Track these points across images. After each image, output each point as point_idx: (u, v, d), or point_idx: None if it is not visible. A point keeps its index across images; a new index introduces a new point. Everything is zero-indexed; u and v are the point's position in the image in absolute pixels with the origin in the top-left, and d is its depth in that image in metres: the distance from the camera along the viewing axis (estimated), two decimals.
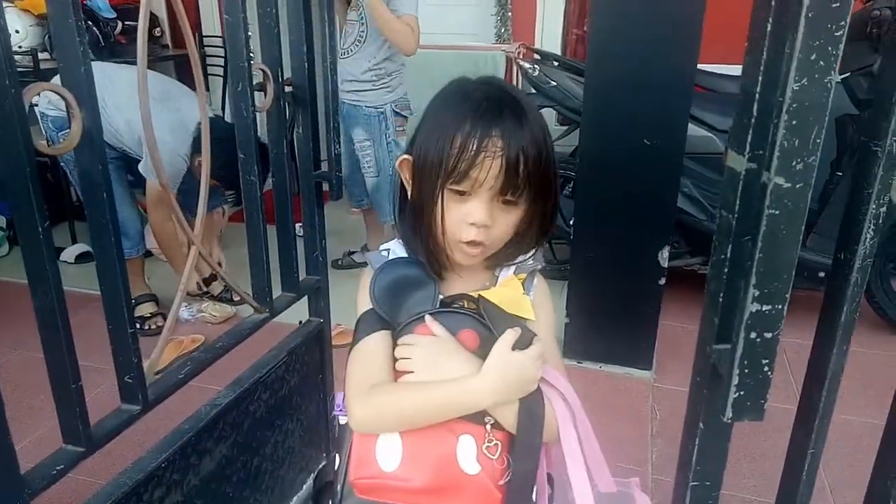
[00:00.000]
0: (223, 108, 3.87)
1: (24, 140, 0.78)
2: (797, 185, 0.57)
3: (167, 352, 2.40)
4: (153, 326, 2.63)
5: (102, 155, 0.90)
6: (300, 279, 1.52)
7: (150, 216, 2.56)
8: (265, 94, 1.33)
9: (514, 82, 3.61)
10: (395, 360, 0.87)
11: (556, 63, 2.85)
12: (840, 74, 2.67)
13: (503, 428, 0.84)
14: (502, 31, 3.71)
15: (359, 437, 0.88)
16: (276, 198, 1.42)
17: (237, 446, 1.31)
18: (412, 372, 0.84)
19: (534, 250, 0.95)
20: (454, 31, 2.83)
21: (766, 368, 0.65)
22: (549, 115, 3.77)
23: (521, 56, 3.41)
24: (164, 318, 2.62)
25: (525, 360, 0.82)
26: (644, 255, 2.14)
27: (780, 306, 0.64)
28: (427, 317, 0.87)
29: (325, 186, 1.52)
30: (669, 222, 2.13)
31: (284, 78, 1.36)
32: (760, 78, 0.62)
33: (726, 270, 0.69)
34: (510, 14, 3.71)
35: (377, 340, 0.88)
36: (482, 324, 0.87)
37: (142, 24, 0.94)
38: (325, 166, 1.52)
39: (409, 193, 0.92)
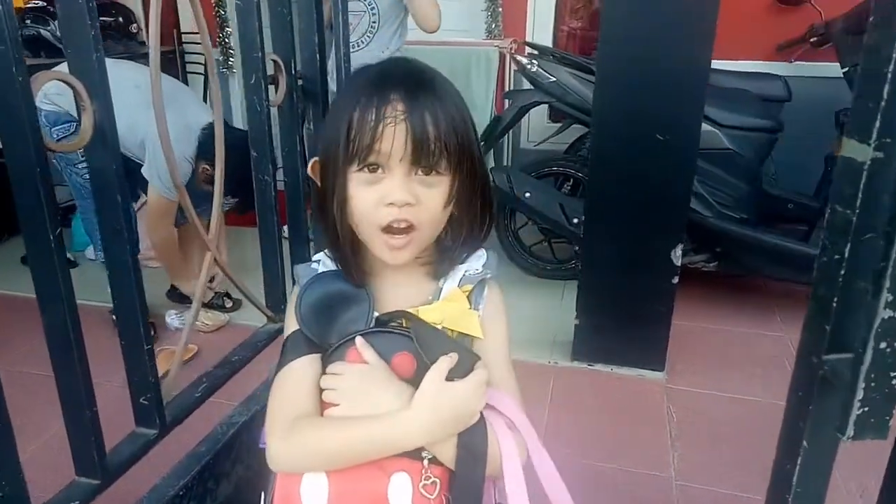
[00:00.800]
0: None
1: (33, 138, 0.68)
2: None
3: (159, 363, 2.27)
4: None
5: (117, 152, 0.81)
6: None
7: (149, 227, 2.40)
8: (276, 88, 1.24)
9: (508, 80, 3.54)
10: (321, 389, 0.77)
11: (552, 58, 2.79)
12: (842, 67, 2.66)
13: (442, 463, 0.74)
14: (493, 26, 3.64)
15: (282, 475, 0.77)
16: (288, 200, 1.33)
17: (253, 470, 1.22)
18: (336, 405, 0.74)
19: (481, 254, 0.84)
20: (444, 26, 2.74)
21: (894, 382, 0.59)
22: (541, 112, 3.71)
23: (514, 51, 3.35)
24: (154, 327, 2.51)
25: (462, 390, 0.72)
26: (656, 253, 2.09)
27: None
28: (358, 339, 0.76)
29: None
30: (682, 220, 2.08)
31: (297, 71, 1.27)
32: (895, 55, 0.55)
33: (843, 273, 0.62)
34: (500, 9, 3.63)
35: (303, 366, 0.77)
36: (418, 344, 0.76)
37: (153, 24, 0.85)
38: None
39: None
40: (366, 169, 0.74)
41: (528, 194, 2.68)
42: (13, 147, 0.68)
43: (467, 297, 0.81)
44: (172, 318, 2.58)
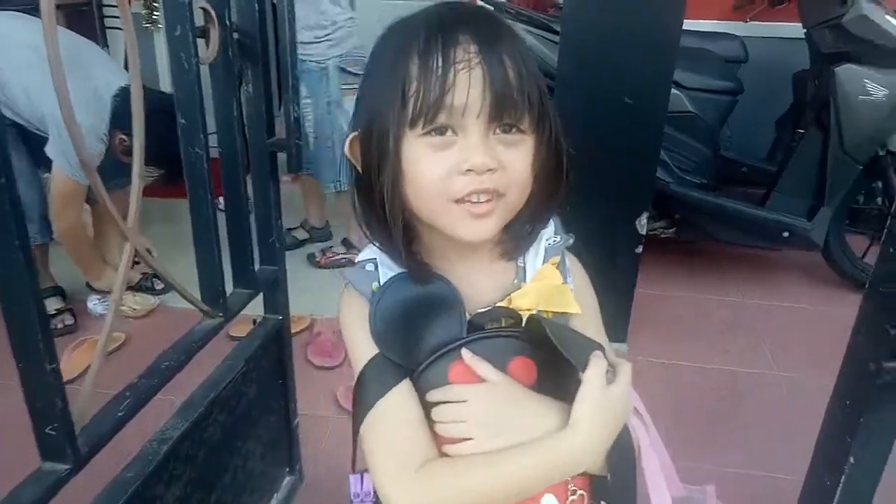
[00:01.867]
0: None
1: None
2: None
3: (81, 356, 2.04)
4: (60, 325, 2.19)
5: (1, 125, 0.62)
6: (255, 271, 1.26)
7: (55, 214, 2.11)
8: (207, 43, 1.05)
9: None
10: (430, 419, 0.64)
11: (508, 14, 2.62)
12: (804, 27, 2.60)
13: (585, 474, 0.65)
14: None
15: None
16: (223, 171, 1.15)
17: (192, 484, 1.06)
18: (467, 439, 0.62)
19: (550, 220, 0.72)
20: None
21: None
22: None
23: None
24: (73, 315, 2.26)
25: (620, 393, 0.62)
26: (621, 221, 1.99)
27: None
28: (464, 351, 0.64)
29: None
30: (650, 187, 1.99)
31: (231, 22, 1.08)
32: None
33: None
34: None
35: (401, 398, 0.64)
36: (531, 345, 0.66)
37: None
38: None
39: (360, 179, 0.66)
40: (433, 132, 0.60)
41: None
42: None
43: (557, 269, 0.70)
44: (95, 303, 2.32)
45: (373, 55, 0.65)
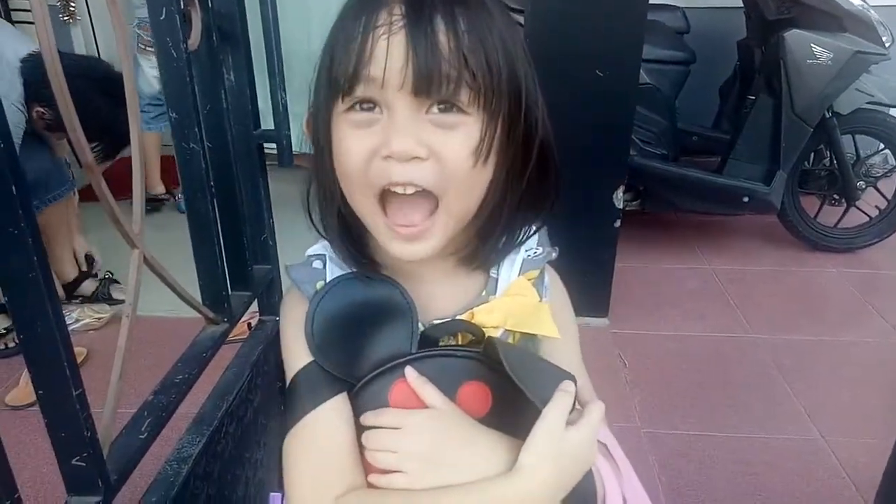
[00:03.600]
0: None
1: None
2: None
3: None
4: (12, 345, 2.02)
5: None
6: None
7: None
8: (189, 28, 0.97)
9: None
10: (360, 443, 0.57)
11: None
12: None
13: None
14: None
15: None
16: (215, 167, 1.07)
17: (211, 501, 1.00)
18: (398, 472, 0.53)
19: (536, 226, 0.64)
20: None
21: None
22: None
23: None
24: None
25: (584, 437, 0.53)
26: (598, 197, 2.00)
27: None
28: (408, 369, 0.56)
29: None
30: (625, 160, 2.00)
31: (212, 4, 1.00)
32: None
33: None
34: None
35: (331, 414, 0.56)
36: (488, 369, 0.56)
37: None
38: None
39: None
40: (356, 107, 0.52)
41: None
42: None
43: (533, 285, 0.62)
44: None
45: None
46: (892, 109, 2.57)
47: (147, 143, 2.99)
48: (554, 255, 0.65)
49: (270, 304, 1.30)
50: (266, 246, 1.23)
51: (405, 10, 0.49)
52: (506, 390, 0.54)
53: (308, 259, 0.63)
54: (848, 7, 2.36)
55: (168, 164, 3.11)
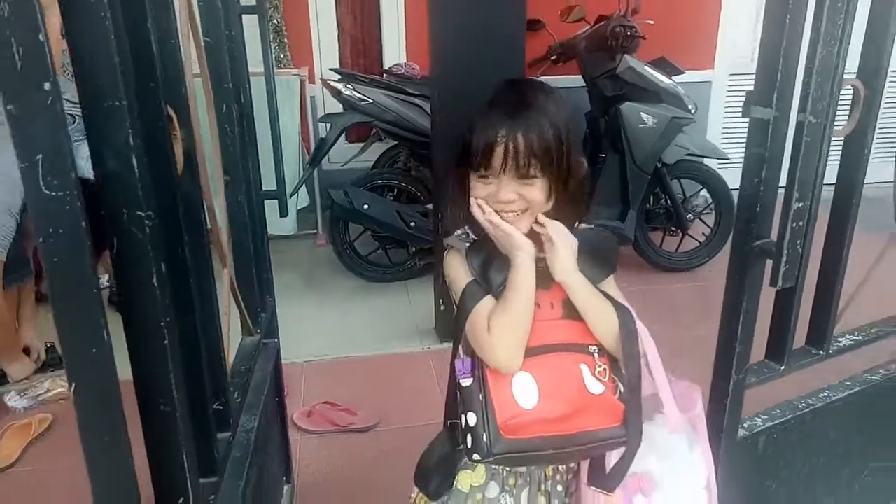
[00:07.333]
0: None
1: None
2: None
3: (10, 442, 2.01)
4: None
5: None
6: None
7: None
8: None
9: (306, 106, 3.68)
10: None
11: (363, 81, 3.06)
12: (584, 77, 3.37)
13: (605, 355, 1.02)
14: (282, 56, 3.76)
15: (494, 387, 0.98)
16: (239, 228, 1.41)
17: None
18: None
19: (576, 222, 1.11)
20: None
21: (799, 246, 0.99)
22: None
23: (323, 78, 3.52)
24: None
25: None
26: None
27: (808, 203, 0.98)
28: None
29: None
30: None
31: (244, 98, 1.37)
32: None
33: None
34: (286, 40, 3.77)
35: (487, 303, 1.01)
36: None
37: None
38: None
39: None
40: (480, 177, 1.02)
41: (366, 206, 2.91)
42: None
43: None
44: (15, 399, 2.24)
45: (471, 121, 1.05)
46: (704, 159, 3.34)
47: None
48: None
49: (271, 327, 1.61)
50: (269, 282, 1.56)
51: (506, 132, 0.98)
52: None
53: (458, 234, 1.09)
54: (662, 84, 3.11)
55: None
